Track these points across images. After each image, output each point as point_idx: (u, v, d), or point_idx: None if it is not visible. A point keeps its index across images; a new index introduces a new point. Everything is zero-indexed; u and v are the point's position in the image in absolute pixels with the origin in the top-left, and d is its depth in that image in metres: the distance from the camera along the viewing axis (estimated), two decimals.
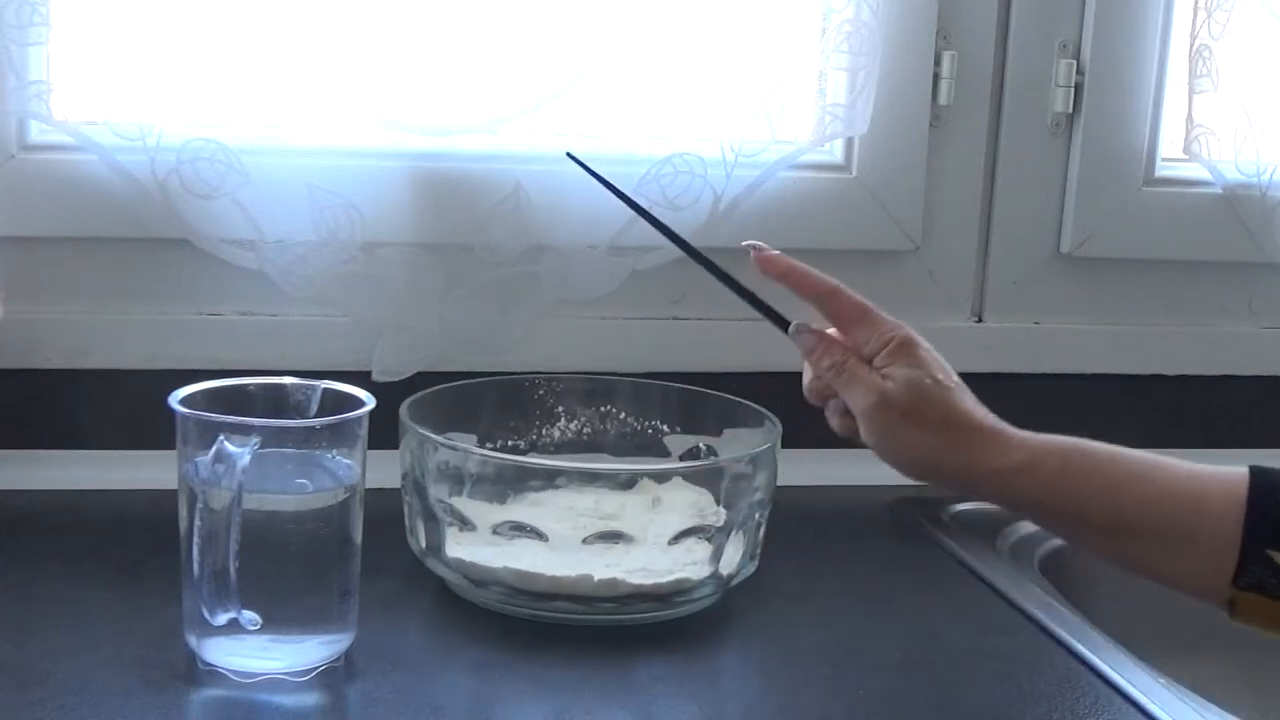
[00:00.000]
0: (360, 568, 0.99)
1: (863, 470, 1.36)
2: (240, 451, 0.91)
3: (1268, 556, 0.94)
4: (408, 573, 1.10)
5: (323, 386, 1.00)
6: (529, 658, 1.01)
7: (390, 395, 1.08)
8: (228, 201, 1.24)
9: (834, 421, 1.05)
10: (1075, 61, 1.40)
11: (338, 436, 0.97)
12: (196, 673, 0.96)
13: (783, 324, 1.05)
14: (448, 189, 1.29)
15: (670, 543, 1.07)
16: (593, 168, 1.07)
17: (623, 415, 1.22)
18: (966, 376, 1.41)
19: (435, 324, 1.30)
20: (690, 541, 1.07)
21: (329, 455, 0.97)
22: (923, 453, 1.01)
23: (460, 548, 1.07)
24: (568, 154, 1.09)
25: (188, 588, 0.95)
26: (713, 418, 1.19)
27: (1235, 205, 1.44)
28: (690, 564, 1.07)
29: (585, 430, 1.22)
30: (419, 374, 1.27)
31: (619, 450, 1.22)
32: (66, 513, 1.20)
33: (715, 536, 1.07)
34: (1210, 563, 0.95)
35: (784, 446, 1.11)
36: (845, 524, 1.28)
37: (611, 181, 1.07)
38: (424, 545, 1.09)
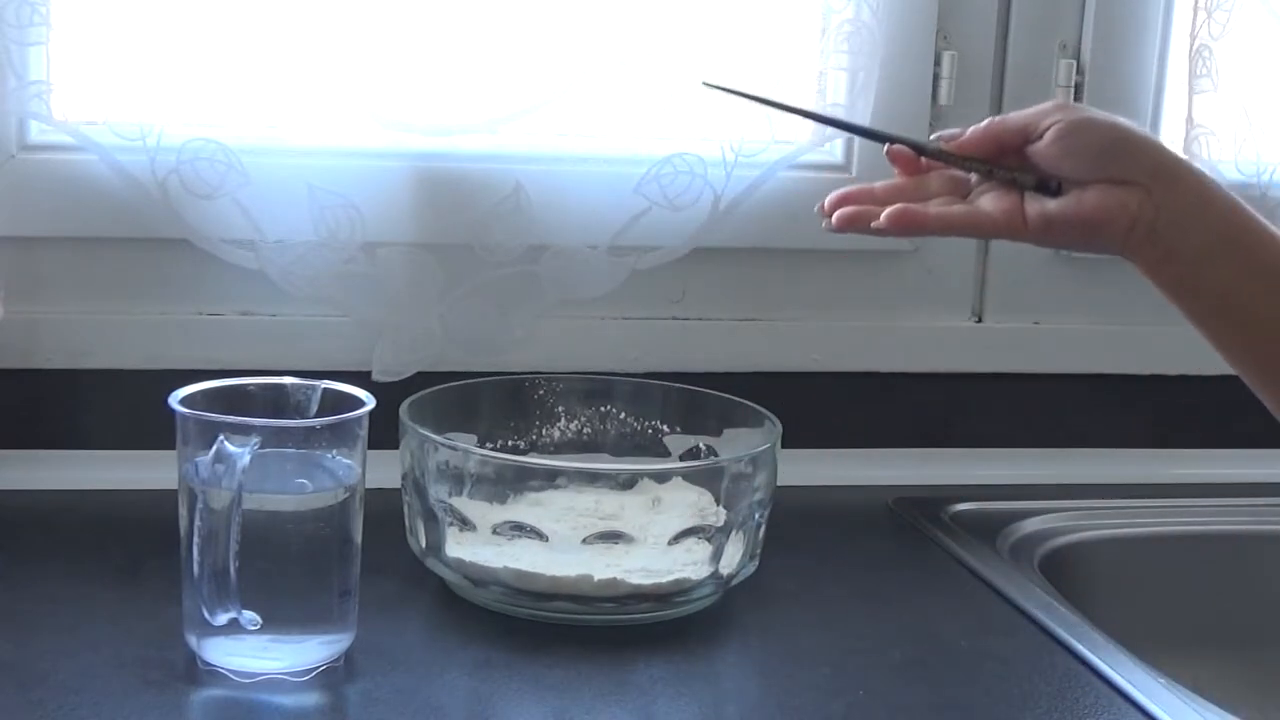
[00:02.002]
0: (360, 568, 0.99)
1: (863, 470, 1.37)
2: (240, 451, 0.91)
3: None
4: (408, 573, 1.11)
5: (323, 386, 1.00)
6: (529, 658, 1.01)
7: (390, 395, 1.08)
8: (228, 201, 1.24)
9: (989, 205, 0.95)
10: (1075, 61, 1.40)
11: (338, 436, 0.97)
12: (196, 673, 0.96)
13: (917, 146, 0.98)
14: (448, 189, 1.29)
15: (670, 543, 1.07)
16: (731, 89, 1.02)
17: (622, 415, 1.22)
18: (966, 376, 1.43)
19: (435, 324, 1.30)
20: (690, 541, 1.07)
21: (329, 455, 0.97)
22: (1129, 126, 0.93)
23: (460, 548, 1.07)
24: (704, 83, 1.01)
25: (188, 588, 0.95)
26: (713, 418, 1.19)
27: None
28: (690, 564, 1.07)
29: (585, 430, 1.23)
30: (419, 374, 1.27)
31: (619, 450, 1.22)
32: (66, 513, 1.20)
33: (715, 536, 1.07)
34: None
35: (784, 446, 1.11)
36: (845, 524, 1.28)
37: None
38: (424, 545, 1.09)
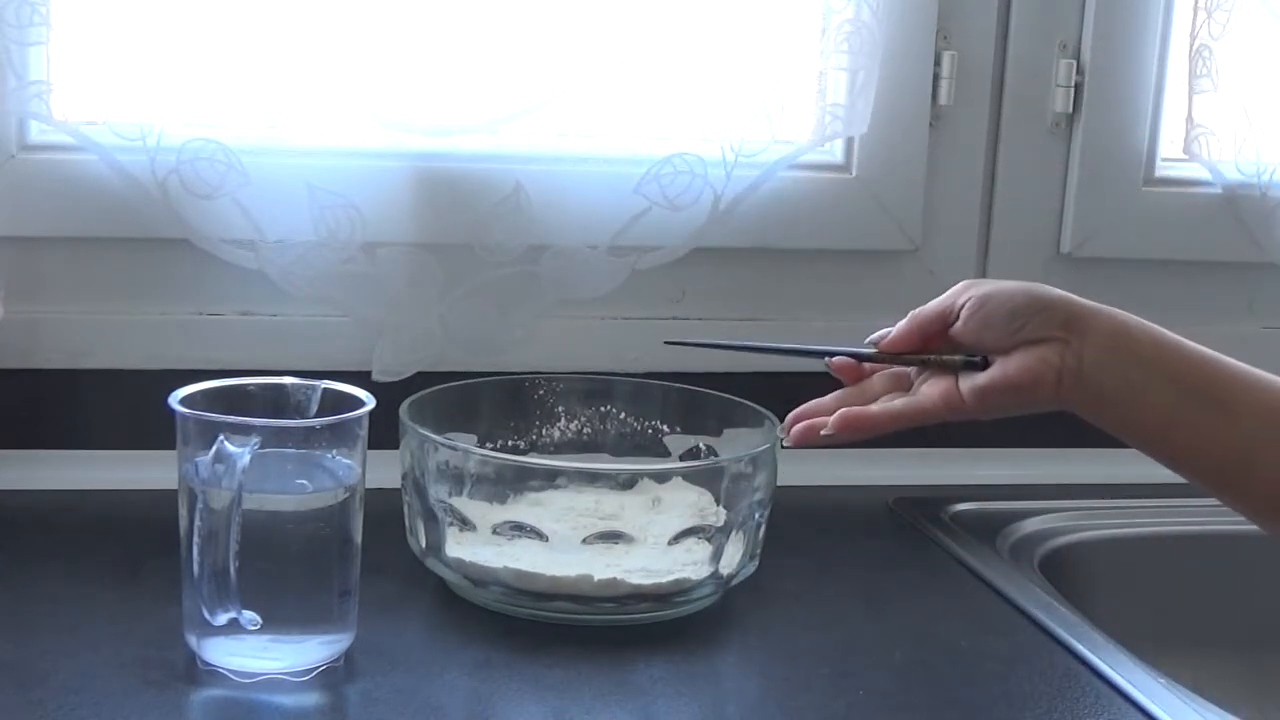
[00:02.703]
0: (360, 568, 0.99)
1: (863, 470, 1.37)
2: (240, 451, 0.91)
3: None
4: (408, 573, 1.11)
5: (323, 386, 1.00)
6: (529, 658, 1.01)
7: (390, 395, 1.08)
8: (228, 201, 1.24)
9: (928, 391, 1.00)
10: (1075, 61, 1.40)
11: (338, 436, 0.97)
12: (196, 673, 0.96)
13: (855, 355, 1.04)
14: (448, 189, 1.29)
15: (670, 543, 1.07)
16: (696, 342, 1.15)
17: (622, 415, 1.22)
18: None
19: (435, 324, 1.30)
20: (690, 541, 1.07)
21: (329, 455, 0.97)
22: (1036, 287, 0.97)
23: (460, 548, 1.07)
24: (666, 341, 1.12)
25: (188, 588, 0.95)
26: (713, 418, 1.19)
27: (1235, 205, 1.44)
28: (690, 564, 1.07)
29: (585, 430, 1.23)
30: (419, 374, 1.27)
31: (619, 450, 1.22)
32: (66, 513, 1.20)
33: (715, 536, 1.07)
34: None
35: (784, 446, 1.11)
36: (845, 524, 1.28)
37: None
38: (424, 545, 1.09)
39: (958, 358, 0.99)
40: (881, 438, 1.39)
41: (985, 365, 0.98)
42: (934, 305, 1.01)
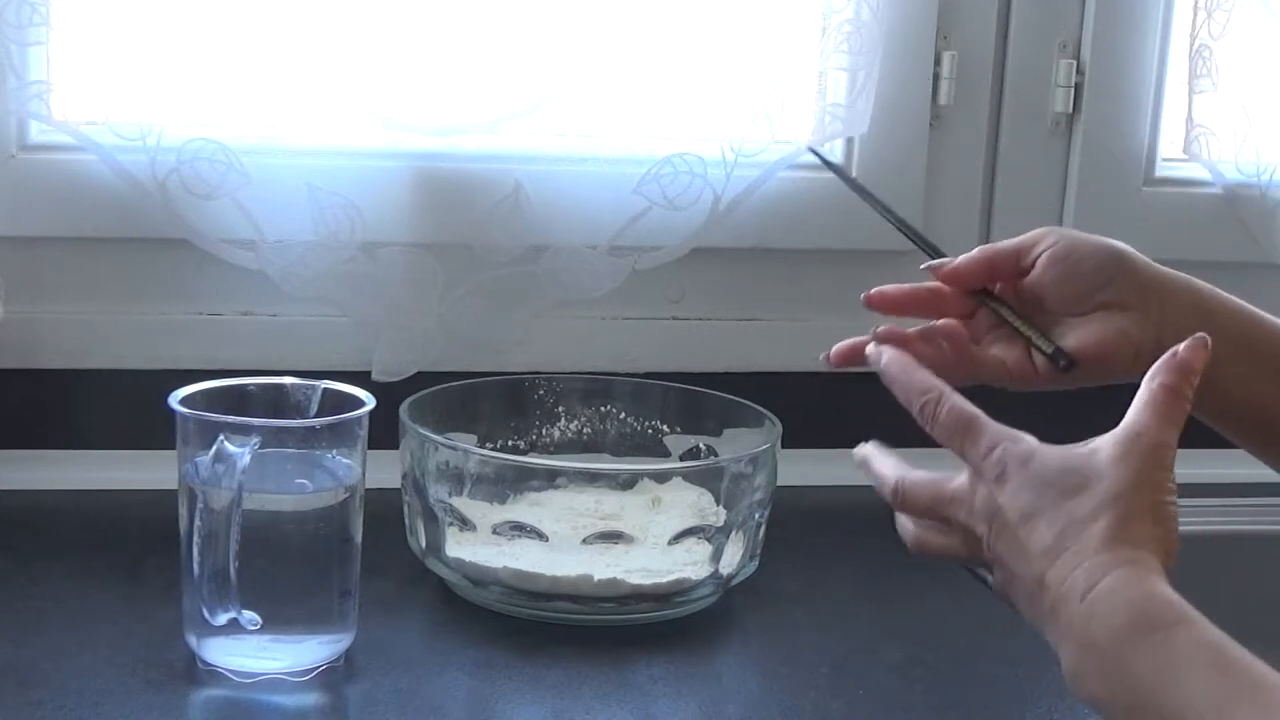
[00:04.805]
0: (360, 568, 0.99)
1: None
2: (240, 451, 0.91)
3: None
4: (408, 573, 1.11)
5: (323, 386, 1.00)
6: (529, 658, 1.01)
7: (390, 395, 1.08)
8: (228, 201, 1.24)
9: (1001, 354, 0.93)
10: (1075, 61, 1.40)
11: (338, 436, 0.97)
12: (196, 673, 0.96)
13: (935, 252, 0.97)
14: (448, 189, 1.29)
15: (670, 543, 1.07)
16: None
17: (623, 415, 1.22)
18: None
19: (435, 324, 1.30)
20: (690, 541, 1.07)
21: (329, 455, 0.97)
22: (1119, 245, 0.92)
23: (460, 548, 1.07)
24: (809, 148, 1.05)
25: (188, 588, 0.95)
26: (713, 418, 1.19)
27: (1235, 205, 1.43)
28: (690, 564, 1.07)
29: (585, 430, 1.23)
30: (419, 374, 1.27)
31: (619, 450, 1.22)
32: (66, 513, 1.20)
33: (715, 536, 1.07)
34: None
35: (784, 446, 1.11)
36: (845, 524, 1.28)
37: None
38: (424, 545, 1.09)
39: (1048, 343, 0.92)
40: (882, 435, 1.39)
41: (1069, 369, 0.92)
42: (1009, 244, 0.94)
